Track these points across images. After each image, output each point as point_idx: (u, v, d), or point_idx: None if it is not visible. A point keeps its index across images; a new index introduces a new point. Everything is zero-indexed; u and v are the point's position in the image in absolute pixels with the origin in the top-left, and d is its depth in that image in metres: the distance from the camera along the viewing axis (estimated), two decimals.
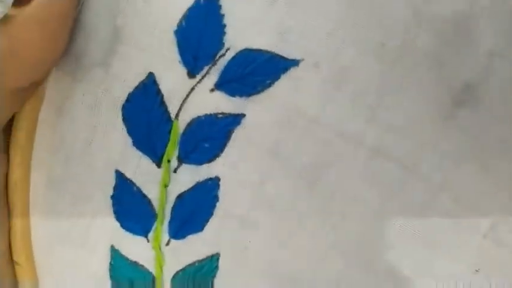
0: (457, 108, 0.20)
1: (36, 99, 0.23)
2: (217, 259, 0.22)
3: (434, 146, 0.20)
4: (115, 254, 0.22)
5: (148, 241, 0.21)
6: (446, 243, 0.22)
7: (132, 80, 0.20)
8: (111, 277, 0.23)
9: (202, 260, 0.22)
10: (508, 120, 0.20)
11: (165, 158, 0.20)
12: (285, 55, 0.19)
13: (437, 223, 0.21)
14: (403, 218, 0.21)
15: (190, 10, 0.19)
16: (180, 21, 0.19)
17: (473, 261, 0.22)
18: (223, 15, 0.19)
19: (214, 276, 0.22)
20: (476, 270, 0.22)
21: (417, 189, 0.21)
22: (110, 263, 0.22)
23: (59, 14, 0.19)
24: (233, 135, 0.20)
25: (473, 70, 0.20)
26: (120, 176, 0.20)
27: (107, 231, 0.22)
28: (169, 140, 0.20)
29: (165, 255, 0.22)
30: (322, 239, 0.21)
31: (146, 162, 0.20)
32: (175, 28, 0.19)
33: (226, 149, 0.20)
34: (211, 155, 0.20)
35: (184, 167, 0.20)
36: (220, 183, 0.21)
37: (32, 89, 0.21)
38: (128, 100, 0.20)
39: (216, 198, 0.21)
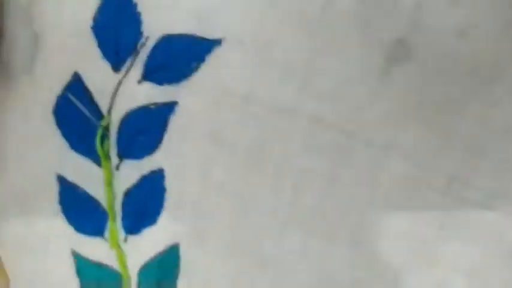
0: (390, 65, 0.20)
1: None
2: (177, 249, 0.22)
3: (373, 108, 0.20)
4: (77, 257, 0.22)
5: (106, 240, 0.22)
6: (405, 204, 0.22)
7: (58, 83, 0.20)
8: (80, 281, 0.23)
9: (163, 251, 0.22)
10: (446, 73, 0.20)
11: (103, 157, 0.20)
12: (206, 36, 0.19)
13: (391, 184, 0.21)
14: (356, 183, 0.21)
15: (103, 3, 0.19)
16: (95, 16, 0.19)
17: (436, 218, 0.22)
18: (136, 4, 0.19)
19: (177, 266, 0.22)
20: (441, 228, 0.22)
21: (363, 153, 0.21)
22: (76, 267, 0.23)
23: None
24: (169, 125, 0.20)
25: (402, 24, 0.19)
26: (62, 181, 0.21)
27: (64, 237, 0.22)
28: (105, 138, 0.20)
29: (125, 251, 0.22)
30: (278, 215, 0.22)
31: (86, 163, 0.21)
32: (91, 24, 0.19)
33: (165, 139, 0.20)
34: (150, 147, 0.20)
35: (126, 163, 0.21)
36: (165, 174, 0.21)
37: None
38: (57, 103, 0.20)
39: (163, 190, 0.21)
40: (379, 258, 0.22)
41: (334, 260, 0.22)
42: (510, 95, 0.21)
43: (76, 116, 0.20)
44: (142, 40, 0.19)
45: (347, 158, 0.21)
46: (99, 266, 0.22)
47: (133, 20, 0.19)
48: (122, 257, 0.22)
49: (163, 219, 0.21)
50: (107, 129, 0.20)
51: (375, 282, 0.22)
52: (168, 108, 0.20)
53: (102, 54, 0.19)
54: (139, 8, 0.19)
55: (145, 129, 0.20)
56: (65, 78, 0.20)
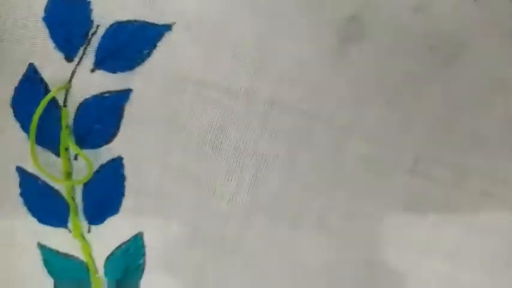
0: (345, 44, 0.20)
1: None
2: (141, 238, 0.22)
3: (331, 88, 0.20)
4: (43, 249, 0.23)
5: (70, 231, 0.22)
6: (370, 185, 0.22)
7: (14, 74, 0.20)
8: (48, 272, 0.24)
9: (128, 241, 0.23)
10: (404, 51, 0.20)
11: (61, 147, 0.21)
12: (156, 22, 0.20)
13: (355, 166, 0.21)
14: (318, 166, 0.21)
15: None
16: (47, 7, 0.20)
17: (403, 199, 0.22)
18: None
19: (143, 254, 0.23)
20: (407, 209, 0.22)
21: (324, 134, 0.21)
22: (43, 259, 0.23)
23: None
24: (125, 112, 0.21)
25: (355, 1, 0.20)
26: (22, 172, 0.21)
27: (29, 229, 0.22)
28: (61, 128, 0.21)
29: (90, 242, 0.23)
30: (239, 199, 0.22)
31: (46, 154, 0.21)
32: (43, 15, 0.20)
33: (122, 127, 0.21)
34: (107, 135, 0.21)
35: (84, 152, 0.21)
36: (124, 162, 0.21)
37: None
38: (14, 95, 0.21)
39: (123, 178, 0.21)
40: (348, 242, 0.22)
41: (302, 244, 0.23)
42: (471, 69, 0.21)
43: (33, 107, 0.20)
44: (93, 29, 0.20)
45: (307, 140, 0.21)
46: (65, 257, 0.23)
47: (84, 9, 0.19)
48: (86, 247, 0.22)
49: (126, 208, 0.22)
50: (64, 119, 0.20)
51: (346, 265, 0.22)
52: (122, 95, 0.20)
53: (54, 44, 0.20)
54: None
55: (101, 118, 0.20)
56: (21, 70, 0.20)
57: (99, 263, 0.23)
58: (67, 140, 0.21)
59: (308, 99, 0.21)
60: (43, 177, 0.21)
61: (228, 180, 0.22)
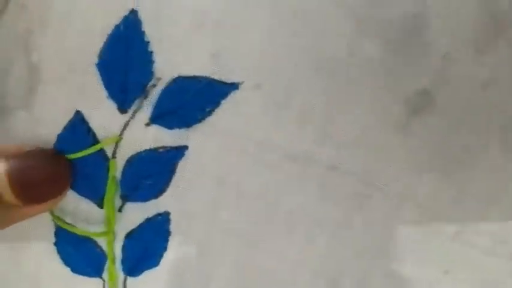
0: (412, 115, 0.20)
1: None
2: None
3: (392, 157, 0.20)
4: None
5: (104, 281, 0.21)
6: (414, 250, 0.22)
7: (58, 120, 0.19)
8: None
9: None
10: (466, 126, 0.20)
11: (106, 198, 0.19)
12: (222, 79, 0.18)
13: (403, 232, 0.21)
14: (369, 230, 0.21)
15: (111, 38, 0.18)
16: (101, 53, 0.18)
17: (442, 263, 0.22)
18: (148, 42, 0.18)
19: None
20: (446, 272, 0.22)
21: (378, 201, 0.21)
22: None
23: None
24: (178, 168, 0.19)
25: (428, 75, 0.19)
26: (59, 221, 0.20)
27: (57, 278, 0.21)
28: (107, 180, 0.19)
29: None
30: (288, 258, 0.21)
31: (86, 204, 0.20)
32: (96, 61, 0.18)
33: (173, 182, 0.20)
34: (157, 190, 0.20)
35: (130, 205, 0.20)
36: (171, 217, 0.20)
37: None
38: (57, 142, 0.19)
39: (168, 233, 0.20)
40: None
41: None
42: None
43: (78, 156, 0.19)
44: (153, 81, 0.18)
45: (362, 206, 0.21)
46: None
47: (145, 59, 0.18)
48: None
49: (166, 261, 0.21)
50: (112, 171, 0.19)
51: None
52: (177, 152, 0.19)
53: (107, 93, 0.18)
54: (152, 47, 0.18)
55: (153, 173, 0.19)
56: (66, 116, 0.19)
57: None
58: (113, 192, 0.19)
59: (368, 167, 0.20)
60: (80, 227, 0.20)
61: (276, 239, 0.21)
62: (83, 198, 0.20)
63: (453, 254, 0.22)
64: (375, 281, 0.22)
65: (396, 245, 0.22)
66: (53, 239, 0.20)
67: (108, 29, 0.18)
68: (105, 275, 0.21)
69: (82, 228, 0.20)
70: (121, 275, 0.21)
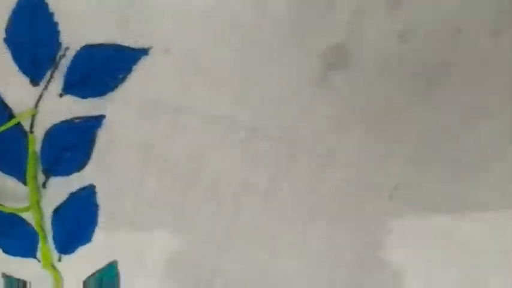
0: (329, 70, 0.20)
1: None
2: (116, 267, 0.22)
3: (313, 115, 0.20)
4: (8, 281, 0.22)
5: (39, 261, 0.21)
6: (349, 211, 0.22)
7: None
8: None
9: (101, 269, 0.22)
10: (387, 77, 0.20)
11: (28, 175, 0.20)
12: (131, 45, 0.19)
13: (334, 192, 0.21)
14: (297, 195, 0.21)
15: (15, 13, 0.18)
16: (8, 28, 0.18)
17: (384, 223, 0.22)
18: (52, 13, 0.18)
19: (117, 283, 0.22)
20: (390, 231, 0.22)
21: (305, 163, 0.21)
22: None
23: None
24: (97, 138, 0.20)
25: (340, 30, 0.19)
26: None
27: None
28: (28, 156, 0.19)
29: (61, 271, 0.22)
30: (219, 229, 0.21)
31: (12, 183, 0.20)
32: (3, 36, 0.18)
33: (94, 154, 0.20)
34: (78, 163, 0.20)
35: (54, 180, 0.20)
36: (97, 189, 0.20)
37: None
38: None
39: (95, 206, 0.20)
40: (326, 268, 0.22)
41: (277, 270, 0.22)
42: (452, 96, 0.21)
43: None
44: (61, 51, 0.18)
45: (287, 169, 0.21)
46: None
47: (51, 30, 0.18)
48: (57, 277, 0.22)
49: (99, 236, 0.21)
50: (31, 146, 0.19)
51: None
52: (94, 122, 0.19)
53: (18, 68, 0.18)
54: (57, 18, 0.18)
55: (72, 144, 0.19)
56: None
57: None
58: (34, 168, 0.20)
59: (290, 127, 0.20)
60: (9, 205, 0.20)
61: (208, 209, 0.21)
62: (7, 176, 0.20)
63: (391, 212, 0.22)
64: (312, 245, 0.22)
65: (329, 206, 0.21)
66: None
67: (12, 3, 0.18)
68: (39, 254, 0.21)
69: (10, 207, 0.20)
70: (55, 253, 0.21)
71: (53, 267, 0.22)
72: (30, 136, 0.19)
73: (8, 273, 0.22)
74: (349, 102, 0.20)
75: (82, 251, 0.21)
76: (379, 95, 0.20)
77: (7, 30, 0.18)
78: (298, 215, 0.21)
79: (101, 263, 0.22)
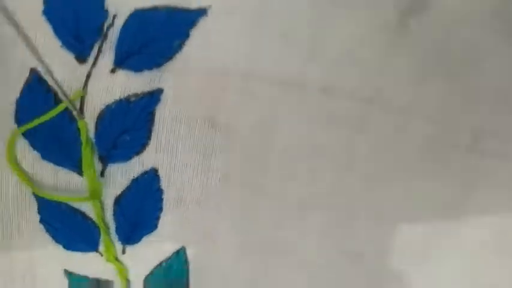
0: (406, 17, 0.18)
1: None
2: (184, 253, 0.20)
3: (389, 68, 0.18)
4: (71, 277, 0.20)
5: (102, 255, 0.20)
6: (428, 167, 0.20)
7: (14, 82, 0.17)
8: None
9: (168, 258, 0.20)
10: (466, 20, 0.18)
11: (84, 165, 0.18)
12: (187, 6, 0.16)
13: (413, 149, 0.20)
14: (376, 154, 0.20)
15: None
16: None
17: (459, 178, 0.20)
18: None
19: (187, 270, 0.21)
20: (464, 185, 0.20)
21: (383, 119, 0.19)
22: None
23: None
24: (156, 116, 0.18)
25: None
26: (39, 198, 0.18)
27: (53, 258, 0.20)
28: (81, 143, 0.17)
29: (125, 264, 0.20)
30: (294, 198, 0.20)
31: (64, 173, 0.18)
32: (42, 7, 0.16)
33: (154, 134, 0.18)
34: (138, 146, 0.18)
35: (112, 168, 0.18)
36: (159, 173, 0.18)
37: None
38: (18, 108, 0.17)
39: (159, 191, 0.19)
40: (403, 230, 0.21)
41: (356, 235, 0.21)
42: None
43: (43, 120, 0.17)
44: (109, 20, 0.16)
45: (365, 128, 0.19)
46: (98, 283, 0.21)
47: None
48: (121, 270, 0.20)
49: (164, 222, 0.19)
50: (83, 132, 0.17)
51: (399, 254, 0.21)
52: (152, 98, 0.17)
53: (61, 43, 0.16)
54: None
55: (129, 126, 0.17)
56: (21, 76, 0.17)
57: (138, 284, 0.21)
58: (91, 156, 0.18)
59: (365, 83, 0.18)
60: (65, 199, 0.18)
61: (279, 180, 0.19)
62: (60, 168, 0.18)
63: (470, 166, 0.20)
64: (391, 207, 0.21)
65: (408, 163, 0.20)
66: (37, 217, 0.19)
67: None
68: (101, 247, 0.20)
69: (66, 201, 0.19)
70: (118, 245, 0.20)
71: (117, 260, 0.20)
72: (80, 122, 0.17)
73: (69, 270, 0.20)
74: (427, 52, 0.18)
75: (147, 239, 0.20)
76: (457, 40, 0.18)
77: (45, 1, 0.16)
78: (376, 177, 0.20)
79: (168, 252, 0.20)
